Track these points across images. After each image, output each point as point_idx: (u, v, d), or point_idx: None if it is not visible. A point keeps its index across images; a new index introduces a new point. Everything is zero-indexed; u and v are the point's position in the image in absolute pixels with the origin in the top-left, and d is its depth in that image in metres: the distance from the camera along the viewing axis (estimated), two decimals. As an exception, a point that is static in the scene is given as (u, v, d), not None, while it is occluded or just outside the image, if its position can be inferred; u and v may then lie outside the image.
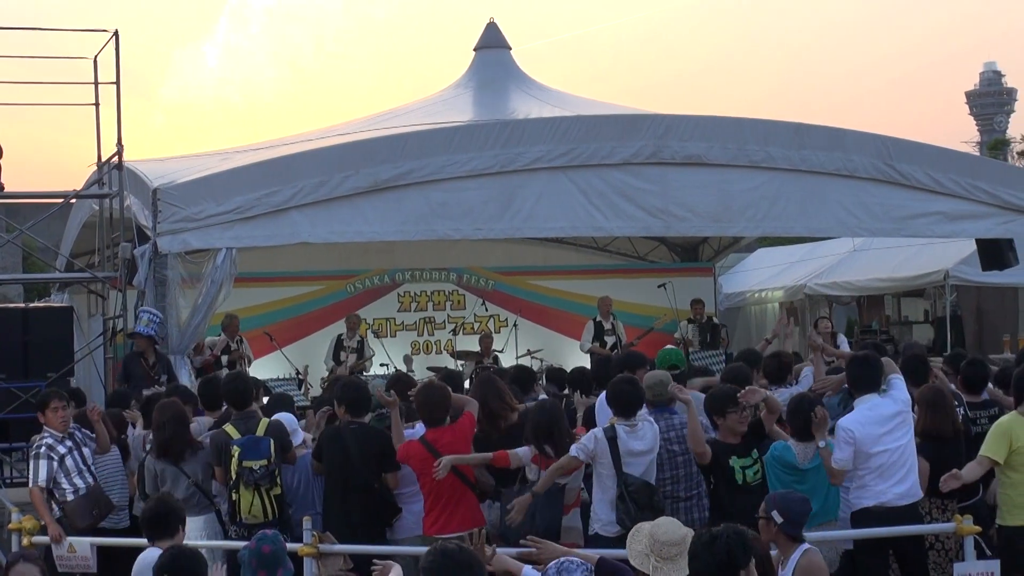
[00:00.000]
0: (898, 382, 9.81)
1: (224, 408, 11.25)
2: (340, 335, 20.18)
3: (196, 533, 10.33)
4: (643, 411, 9.75)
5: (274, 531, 7.59)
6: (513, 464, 9.79)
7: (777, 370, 12.22)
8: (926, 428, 10.14)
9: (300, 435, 11.29)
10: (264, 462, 10.10)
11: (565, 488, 9.66)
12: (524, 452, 9.78)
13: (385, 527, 10.29)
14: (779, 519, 7.30)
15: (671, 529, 6.58)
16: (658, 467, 9.83)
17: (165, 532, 8.11)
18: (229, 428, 10.48)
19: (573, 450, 9.45)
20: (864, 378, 9.78)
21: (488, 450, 10.01)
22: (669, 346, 13.47)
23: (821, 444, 9.41)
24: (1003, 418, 9.92)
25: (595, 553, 7.09)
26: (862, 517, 9.58)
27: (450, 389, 10.30)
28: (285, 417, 11.19)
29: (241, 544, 8.63)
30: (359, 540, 9.70)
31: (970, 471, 9.56)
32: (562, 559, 6.50)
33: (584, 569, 6.33)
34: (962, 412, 10.81)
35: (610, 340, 21.20)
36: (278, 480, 10.20)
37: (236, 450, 10.20)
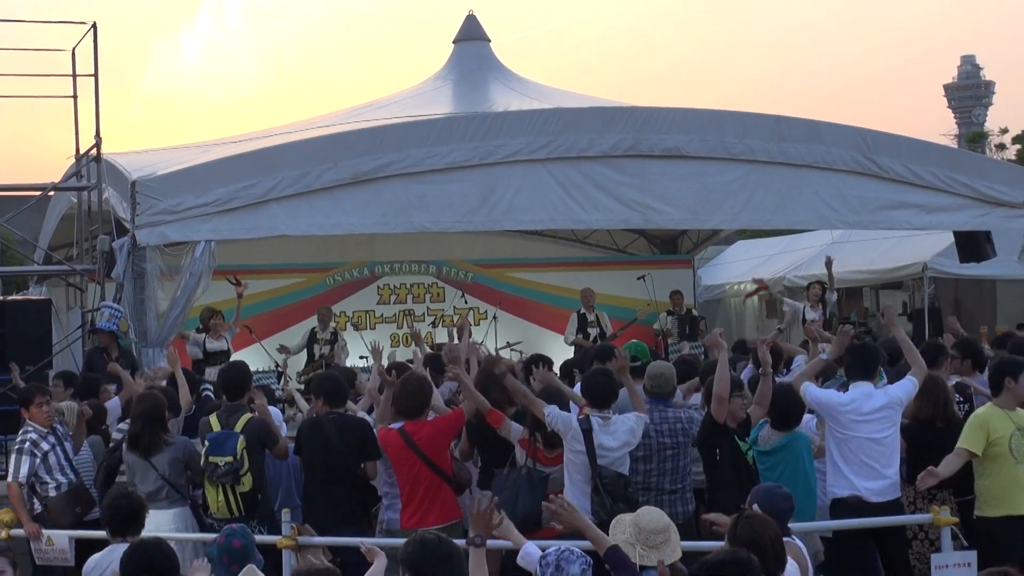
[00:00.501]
0: (906, 382, 9.90)
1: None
2: (313, 328, 20.18)
3: (168, 526, 10.31)
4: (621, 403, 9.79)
5: (240, 525, 7.57)
6: (502, 430, 9.81)
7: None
8: (914, 412, 10.23)
9: (284, 429, 11.29)
10: (229, 459, 10.01)
11: (549, 477, 9.66)
12: (516, 428, 9.80)
13: (368, 515, 10.28)
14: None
15: (655, 518, 6.63)
16: (645, 459, 9.90)
17: (130, 528, 8.09)
18: (212, 419, 10.47)
19: (547, 409, 9.49)
20: (858, 365, 9.92)
21: (482, 441, 10.06)
22: (634, 340, 13.49)
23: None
24: (980, 409, 9.97)
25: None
26: (839, 507, 9.66)
27: (431, 387, 10.26)
28: (270, 410, 11.19)
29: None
30: (343, 530, 9.70)
31: (948, 464, 9.60)
32: (563, 547, 6.48)
33: (583, 561, 6.32)
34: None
35: (593, 332, 21.23)
36: (243, 478, 10.07)
37: (207, 444, 10.20)
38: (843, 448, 9.69)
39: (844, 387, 10.30)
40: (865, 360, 10.01)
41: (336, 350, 19.80)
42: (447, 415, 10.09)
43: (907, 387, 9.90)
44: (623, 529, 6.72)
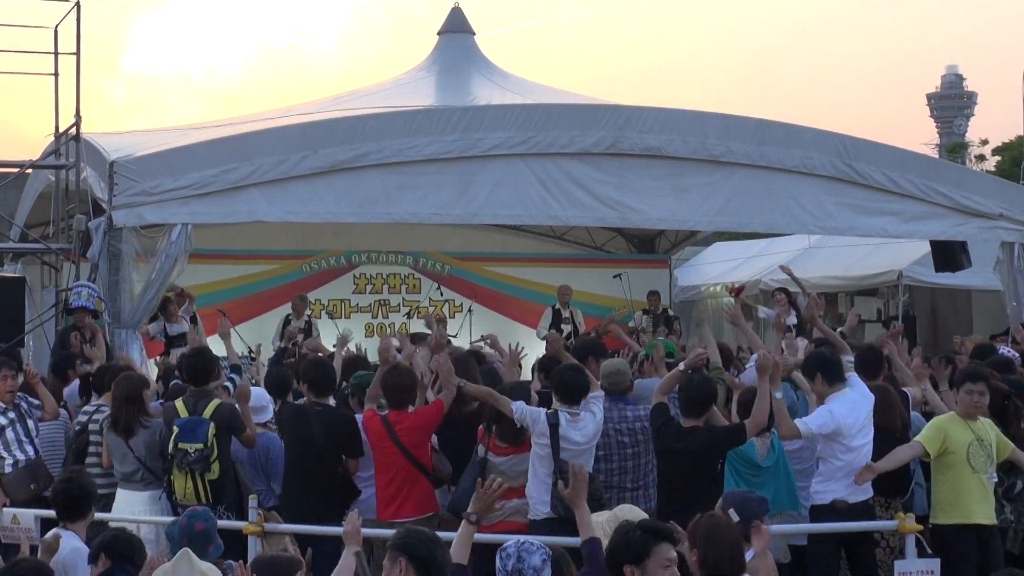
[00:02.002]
0: (854, 377, 9.96)
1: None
2: (288, 315, 20.12)
3: (140, 508, 10.31)
4: (595, 399, 9.76)
5: (205, 508, 7.56)
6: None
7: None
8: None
9: (269, 412, 11.22)
10: (200, 446, 9.94)
11: (488, 461, 9.64)
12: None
13: (344, 509, 10.24)
14: (736, 517, 7.34)
15: (637, 515, 6.68)
16: (605, 458, 9.91)
17: (77, 514, 8.07)
18: (179, 404, 10.36)
19: (514, 405, 9.50)
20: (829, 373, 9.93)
21: (449, 430, 10.06)
22: (660, 338, 13.58)
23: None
24: (941, 416, 10.05)
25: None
26: (823, 512, 9.69)
27: (415, 378, 10.20)
28: (255, 391, 11.15)
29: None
30: (317, 521, 9.64)
31: (897, 455, 9.65)
32: (522, 539, 6.51)
33: (543, 552, 6.35)
34: None
35: (567, 328, 21.26)
36: (213, 465, 10.01)
37: (175, 429, 10.13)
38: (840, 457, 9.66)
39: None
40: (831, 362, 10.03)
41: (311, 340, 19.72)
42: (427, 407, 10.03)
43: (861, 383, 9.98)
44: (601, 525, 6.77)
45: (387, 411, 9.91)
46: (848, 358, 10.84)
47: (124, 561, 7.14)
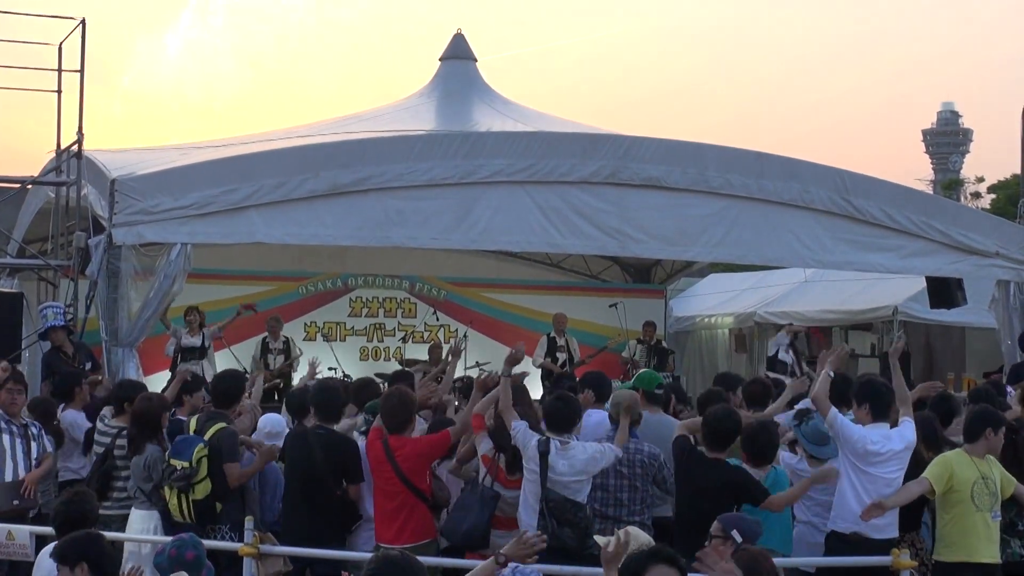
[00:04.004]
0: (910, 425, 9.89)
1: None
2: (264, 338, 20.09)
3: (136, 525, 10.30)
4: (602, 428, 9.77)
5: (190, 534, 7.52)
6: (476, 438, 9.82)
7: (760, 394, 12.19)
8: None
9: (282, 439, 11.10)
10: (185, 464, 9.88)
11: (499, 496, 9.64)
12: (487, 443, 9.77)
13: (345, 533, 10.19)
14: (739, 538, 7.36)
15: (643, 539, 6.70)
16: (602, 487, 9.90)
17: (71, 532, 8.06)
18: (192, 421, 10.39)
19: (516, 423, 9.52)
20: (878, 404, 9.88)
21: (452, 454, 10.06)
22: (644, 370, 13.50)
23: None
24: (948, 452, 9.99)
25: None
26: (835, 541, 9.64)
27: (414, 402, 10.18)
28: (272, 418, 11.14)
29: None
30: (316, 544, 9.61)
31: (907, 491, 9.61)
32: (518, 565, 6.49)
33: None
34: None
35: (562, 356, 21.32)
36: (197, 486, 9.90)
37: (171, 445, 10.17)
38: (862, 483, 9.62)
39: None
40: (884, 398, 9.95)
41: (289, 360, 19.68)
42: (432, 436, 9.94)
43: (912, 429, 9.90)
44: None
45: (388, 435, 9.85)
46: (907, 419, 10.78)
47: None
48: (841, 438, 9.70)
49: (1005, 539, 10.04)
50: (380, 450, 9.69)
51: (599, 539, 6.61)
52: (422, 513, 9.71)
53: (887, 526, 9.62)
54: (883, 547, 9.45)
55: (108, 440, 10.97)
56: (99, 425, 11.25)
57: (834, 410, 9.73)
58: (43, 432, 11.34)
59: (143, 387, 11.58)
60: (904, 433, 9.78)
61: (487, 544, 9.25)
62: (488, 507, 9.51)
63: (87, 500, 8.48)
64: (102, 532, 7.66)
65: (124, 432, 10.76)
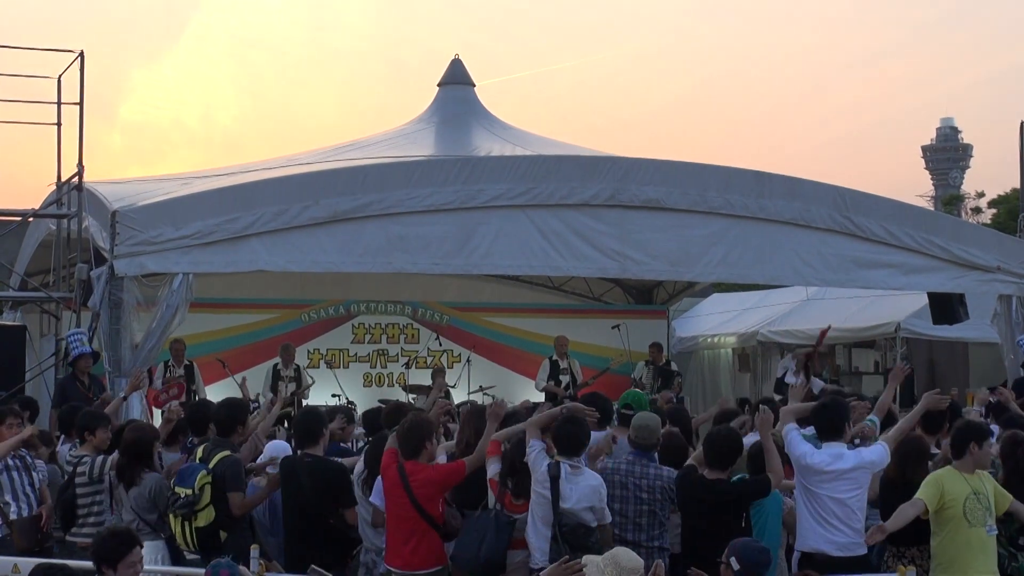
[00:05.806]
0: (879, 447, 9.93)
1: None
2: (275, 365, 20.09)
3: (146, 557, 10.25)
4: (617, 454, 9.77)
5: (227, 559, 7.53)
6: (489, 461, 9.82)
7: None
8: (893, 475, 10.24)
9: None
10: (188, 491, 9.87)
11: (515, 522, 9.63)
12: (496, 466, 9.78)
13: (346, 559, 10.16)
14: (736, 566, 7.35)
15: (632, 556, 6.67)
16: (620, 511, 9.92)
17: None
18: (200, 449, 10.36)
19: (532, 441, 9.53)
20: (827, 424, 9.96)
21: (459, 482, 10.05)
22: (631, 390, 13.53)
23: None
24: (939, 470, 9.99)
25: None
26: (806, 563, 9.68)
27: (430, 427, 10.12)
28: (278, 445, 11.12)
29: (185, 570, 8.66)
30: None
31: (902, 514, 9.61)
32: None
33: None
34: None
35: (565, 379, 21.30)
36: (200, 514, 9.88)
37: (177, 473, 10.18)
38: (810, 502, 9.75)
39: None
40: (834, 419, 10.02)
41: (301, 388, 19.69)
42: (448, 465, 9.90)
43: (879, 451, 9.92)
44: (599, 567, 6.73)
45: (404, 461, 9.79)
46: (872, 418, 10.86)
47: None
48: (788, 453, 9.81)
49: (1012, 553, 10.02)
50: (395, 474, 9.66)
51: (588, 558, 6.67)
52: (433, 540, 9.67)
53: (851, 544, 9.66)
54: (848, 565, 9.53)
55: (70, 469, 11.01)
56: (65, 453, 11.41)
57: (789, 426, 9.94)
58: (32, 457, 11.32)
59: (105, 418, 11.50)
60: (862, 453, 9.86)
61: (504, 570, 9.23)
62: (504, 532, 9.50)
63: (120, 532, 8.46)
64: (66, 562, 7.67)
65: (84, 459, 10.79)
